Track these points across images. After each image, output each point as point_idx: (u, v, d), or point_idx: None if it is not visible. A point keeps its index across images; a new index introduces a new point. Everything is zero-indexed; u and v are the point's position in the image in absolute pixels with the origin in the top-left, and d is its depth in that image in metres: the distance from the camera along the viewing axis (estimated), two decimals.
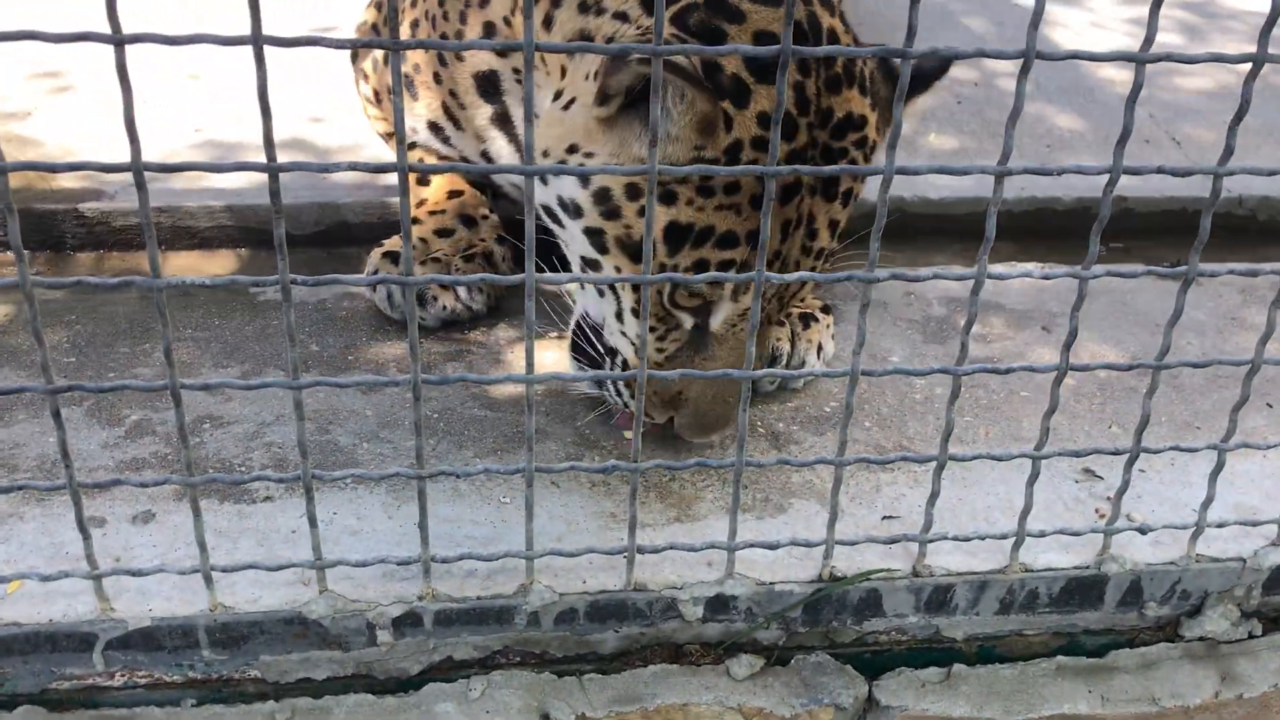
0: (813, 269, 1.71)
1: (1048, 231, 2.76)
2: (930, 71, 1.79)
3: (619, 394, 1.83)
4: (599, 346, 1.86)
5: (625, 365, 1.80)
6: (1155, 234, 2.77)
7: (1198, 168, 1.44)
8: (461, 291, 2.15)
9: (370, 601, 1.58)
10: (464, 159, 2.30)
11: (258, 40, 1.21)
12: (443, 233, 2.24)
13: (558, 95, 1.77)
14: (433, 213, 2.28)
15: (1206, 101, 3.39)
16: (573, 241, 1.76)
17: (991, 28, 3.83)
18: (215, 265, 2.51)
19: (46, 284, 1.30)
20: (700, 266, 1.62)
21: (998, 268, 2.48)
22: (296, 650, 1.59)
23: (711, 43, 1.61)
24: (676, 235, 1.61)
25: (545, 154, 1.73)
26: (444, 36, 2.15)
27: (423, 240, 2.22)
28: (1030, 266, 2.45)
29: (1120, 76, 3.47)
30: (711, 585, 1.63)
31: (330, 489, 1.76)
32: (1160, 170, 1.46)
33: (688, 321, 1.73)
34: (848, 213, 1.73)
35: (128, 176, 2.53)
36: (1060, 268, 2.48)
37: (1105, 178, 1.72)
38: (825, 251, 1.72)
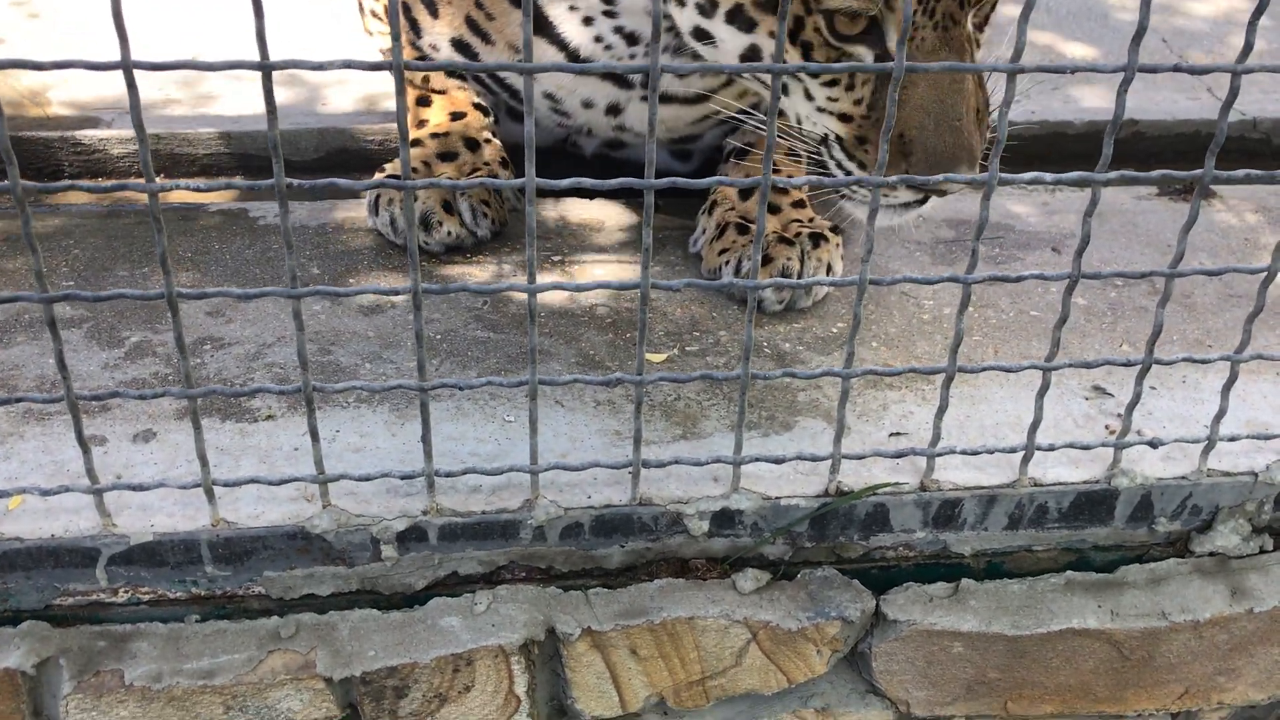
0: None
1: (1059, 157, 2.72)
2: None
3: (844, 170, 1.82)
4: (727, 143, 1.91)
5: (841, 139, 1.79)
6: (1167, 159, 2.73)
7: (1216, 66, 1.40)
8: (465, 215, 2.12)
9: (374, 516, 1.57)
10: (495, 78, 2.26)
11: None
12: (446, 156, 2.21)
13: None
14: (435, 135, 2.25)
15: (1218, 27, 3.33)
16: (722, 42, 1.80)
17: None
18: (213, 193, 2.49)
19: (39, 189, 1.28)
20: None
21: (1009, 191, 2.45)
22: (300, 566, 1.58)
23: None
24: None
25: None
26: None
27: (425, 164, 2.19)
28: (1043, 175, 2.41)
29: (1133, 2, 3.40)
30: (717, 500, 1.62)
31: (332, 407, 1.74)
32: (1177, 68, 1.43)
33: (867, 55, 1.72)
34: None
35: (123, 101, 2.50)
36: (1065, 191, 2.46)
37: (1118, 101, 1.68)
38: None
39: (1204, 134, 2.73)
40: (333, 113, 2.57)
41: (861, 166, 1.80)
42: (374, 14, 2.50)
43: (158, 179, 1.30)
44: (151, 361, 1.84)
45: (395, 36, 1.23)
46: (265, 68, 1.24)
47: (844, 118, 1.80)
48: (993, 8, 1.84)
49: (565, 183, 1.38)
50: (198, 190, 1.33)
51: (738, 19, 1.77)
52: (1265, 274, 1.55)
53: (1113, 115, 1.40)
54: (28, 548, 1.52)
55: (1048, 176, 1.47)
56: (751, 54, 1.80)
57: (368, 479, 1.54)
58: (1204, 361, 1.61)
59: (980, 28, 1.82)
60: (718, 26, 1.80)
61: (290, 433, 1.70)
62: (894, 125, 1.70)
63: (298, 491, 1.59)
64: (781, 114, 1.91)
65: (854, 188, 1.86)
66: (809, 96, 1.81)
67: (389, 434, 1.71)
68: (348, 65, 1.26)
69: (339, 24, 3.03)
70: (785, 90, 1.83)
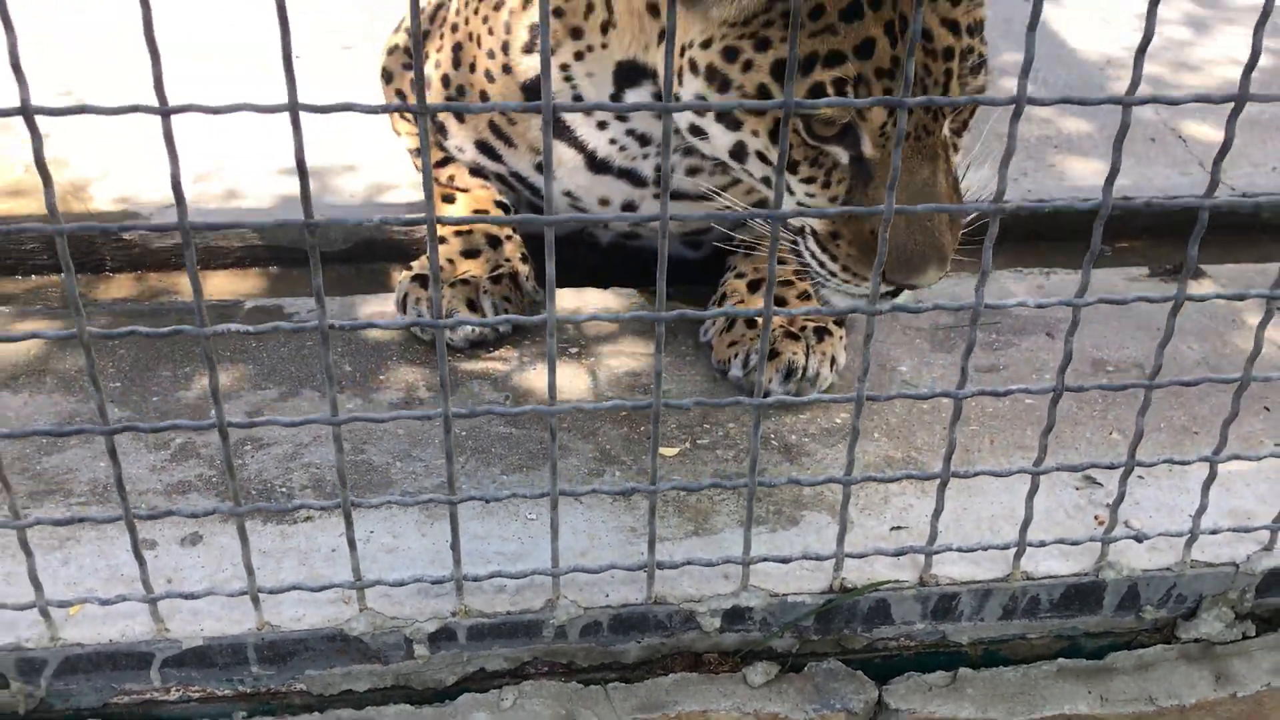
0: (947, 71, 1.76)
1: (1052, 233, 2.83)
2: None
3: (817, 260, 1.91)
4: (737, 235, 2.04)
5: (815, 233, 1.89)
6: (1160, 233, 2.83)
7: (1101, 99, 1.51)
8: (488, 312, 2.24)
9: (407, 618, 1.68)
10: (515, 175, 2.38)
11: (294, 109, 1.30)
12: (469, 253, 2.33)
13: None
14: (459, 232, 2.37)
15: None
16: (713, 138, 1.91)
17: (999, 24, 3.88)
18: (247, 284, 2.61)
19: (102, 335, 1.40)
20: (816, 91, 1.74)
21: (1005, 275, 2.56)
22: (339, 665, 1.70)
23: None
24: (782, 69, 1.75)
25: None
26: (490, 53, 2.24)
27: (450, 261, 2.32)
28: (1025, 295, 2.51)
29: (1129, 76, 3.51)
30: (728, 598, 1.73)
31: (367, 508, 1.86)
32: (1066, 100, 1.54)
33: (842, 155, 1.83)
34: (964, 11, 1.79)
35: (164, 199, 2.63)
36: (1059, 274, 2.56)
37: (1119, 183, 1.79)
38: (955, 51, 1.77)
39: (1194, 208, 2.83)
40: (360, 204, 2.70)
41: (833, 259, 1.90)
42: (403, 116, 2.63)
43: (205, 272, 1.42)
44: (196, 464, 1.96)
45: (424, 150, 1.33)
46: (309, 225, 1.36)
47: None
48: (971, 114, 1.95)
49: (584, 317, 1.50)
50: (246, 334, 1.45)
51: (725, 117, 1.88)
52: (1238, 383, 1.65)
53: (1091, 244, 1.51)
54: (88, 653, 1.64)
55: (1030, 301, 1.58)
56: (738, 149, 1.91)
57: (401, 584, 1.65)
58: (1184, 463, 1.71)
59: (959, 133, 1.93)
60: (709, 124, 1.91)
61: (328, 534, 1.82)
62: (869, 221, 1.82)
63: (336, 595, 1.71)
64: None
65: (826, 281, 1.95)
66: (790, 191, 1.93)
67: (419, 534, 1.82)
68: (384, 223, 1.38)
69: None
70: (770, 185, 1.95)
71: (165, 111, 1.30)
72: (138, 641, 1.65)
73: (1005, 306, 1.57)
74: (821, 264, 1.90)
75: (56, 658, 1.63)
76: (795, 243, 1.96)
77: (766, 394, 2.13)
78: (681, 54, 1.88)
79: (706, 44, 1.83)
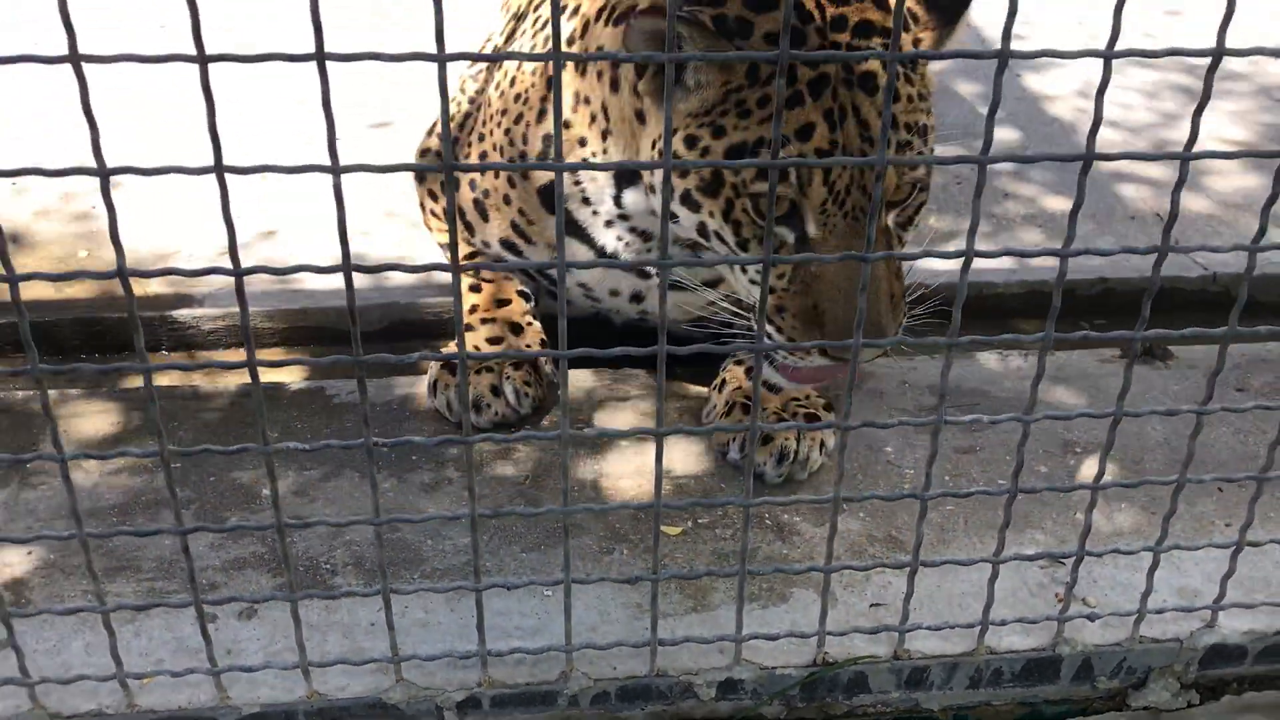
0: (867, 152, 1.97)
1: (1038, 311, 3.03)
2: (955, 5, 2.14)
3: (768, 335, 2.09)
4: (736, 321, 2.22)
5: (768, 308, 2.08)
6: (1134, 313, 3.03)
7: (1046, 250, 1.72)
8: (510, 398, 2.46)
9: (438, 688, 1.91)
10: (538, 270, 2.61)
11: (348, 269, 1.53)
12: (493, 340, 2.57)
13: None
14: (484, 320, 2.60)
15: (1194, 177, 3.63)
16: (681, 220, 2.11)
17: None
18: (293, 374, 2.85)
19: (180, 452, 1.63)
20: (763, 174, 1.96)
21: (988, 356, 2.77)
22: None
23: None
24: (736, 153, 1.98)
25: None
26: (510, 161, 2.47)
27: (475, 347, 2.55)
28: (1005, 375, 2.72)
29: (1116, 163, 3.71)
30: (722, 670, 1.95)
31: (401, 584, 2.09)
32: (1008, 253, 1.75)
33: (789, 235, 2.03)
34: (904, 109, 2.01)
35: (213, 283, 2.88)
36: (1023, 357, 2.76)
37: (1093, 261, 1.99)
38: (891, 142, 1.99)
39: (1168, 288, 3.04)
40: (395, 286, 2.93)
41: (779, 330, 2.09)
42: (434, 214, 2.87)
43: (241, 352, 1.65)
44: (250, 542, 2.19)
45: (453, 246, 1.56)
46: (347, 270, 1.59)
47: (771, 290, 2.09)
48: (916, 211, 2.15)
49: (593, 433, 1.73)
50: (300, 450, 1.68)
51: (688, 200, 2.09)
52: (1174, 484, 1.86)
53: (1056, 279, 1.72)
54: (160, 718, 1.87)
55: (985, 418, 1.79)
56: (701, 229, 2.11)
57: (433, 658, 1.88)
58: (1129, 552, 1.92)
59: (904, 226, 2.13)
60: (678, 208, 2.11)
61: (368, 608, 2.05)
62: (809, 297, 2.01)
63: (376, 667, 1.93)
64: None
65: (775, 352, 2.14)
66: (744, 270, 2.14)
67: (449, 609, 2.05)
68: (413, 269, 1.61)
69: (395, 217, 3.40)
70: (729, 267, 2.19)
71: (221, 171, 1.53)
72: (203, 708, 1.88)
73: (962, 421, 1.78)
74: (769, 337, 2.10)
75: None
76: (748, 318, 2.17)
77: (760, 475, 2.35)
78: (652, 146, 2.10)
79: (672, 134, 2.04)
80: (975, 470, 2.41)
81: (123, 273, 1.47)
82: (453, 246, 1.46)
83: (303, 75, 3.84)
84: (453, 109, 2.75)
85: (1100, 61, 1.47)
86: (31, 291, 2.81)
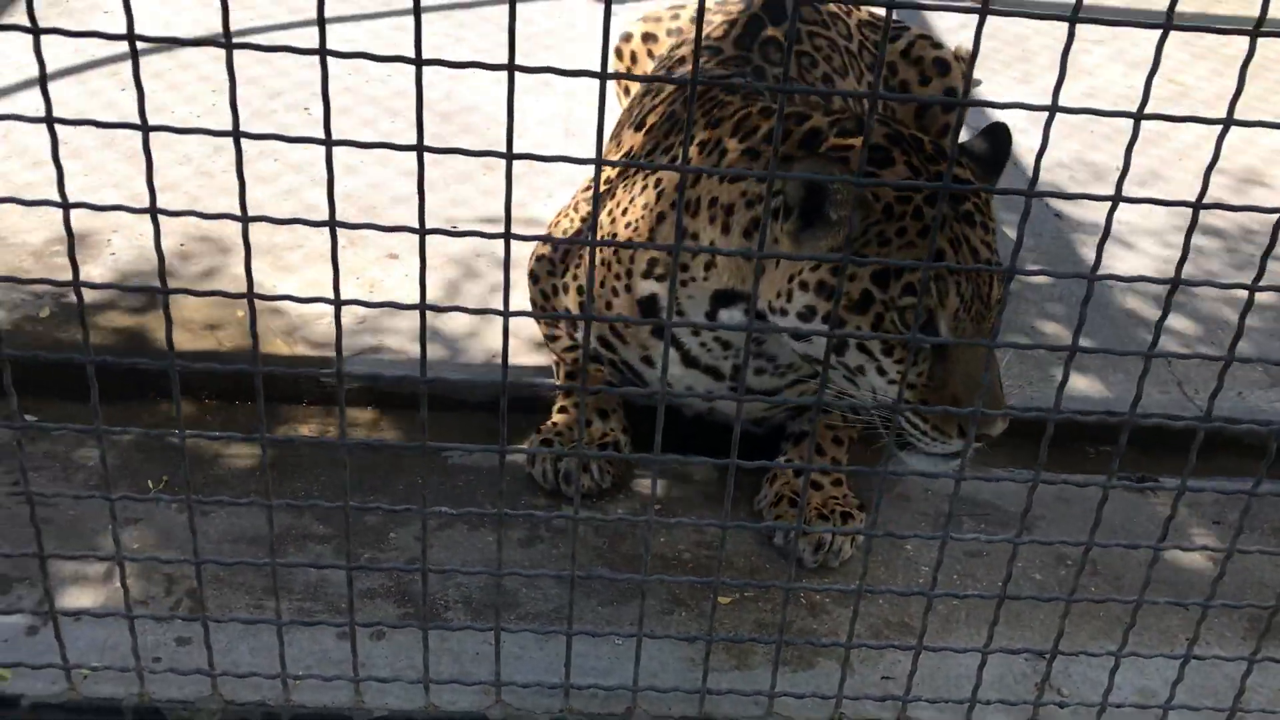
0: (990, 282, 2.47)
1: (1056, 437, 3.47)
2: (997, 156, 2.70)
3: (910, 423, 2.51)
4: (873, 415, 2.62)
5: (909, 403, 2.50)
6: (1137, 442, 3.47)
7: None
8: (595, 474, 2.96)
9: (529, 710, 2.38)
10: (625, 363, 3.10)
11: (504, 377, 2.02)
12: (585, 422, 3.06)
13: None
14: (578, 404, 3.10)
15: (1210, 328, 4.07)
16: (816, 341, 2.54)
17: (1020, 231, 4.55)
18: (404, 422, 3.35)
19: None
20: (908, 290, 2.43)
21: (1001, 473, 3.22)
22: None
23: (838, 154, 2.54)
24: (882, 276, 2.44)
25: (763, 311, 2.61)
26: (616, 275, 2.96)
27: (569, 427, 3.04)
28: (978, 535, 3.17)
29: (1135, 303, 4.13)
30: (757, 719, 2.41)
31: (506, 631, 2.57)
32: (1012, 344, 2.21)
33: (925, 341, 2.43)
34: (990, 238, 2.53)
35: (351, 345, 3.40)
36: (1046, 474, 3.21)
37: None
38: (989, 261, 2.50)
39: (1168, 425, 3.47)
40: (498, 364, 3.44)
41: (924, 419, 2.50)
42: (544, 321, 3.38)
43: (367, 411, 2.14)
44: (380, 576, 2.69)
45: (583, 368, 2.06)
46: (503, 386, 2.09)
47: (910, 386, 2.52)
48: (999, 313, 2.62)
49: (670, 521, 2.21)
50: (450, 515, 2.18)
51: (830, 321, 2.54)
52: (1134, 603, 2.31)
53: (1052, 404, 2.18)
54: (309, 713, 2.36)
55: (977, 537, 2.26)
56: (841, 346, 2.56)
57: (526, 686, 2.36)
58: (1094, 655, 2.37)
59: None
60: (816, 327, 2.56)
61: (474, 639, 2.53)
62: (947, 390, 2.45)
63: (480, 687, 2.42)
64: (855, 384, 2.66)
65: (918, 440, 2.56)
66: (881, 372, 2.57)
67: (539, 647, 2.53)
68: (559, 387, 2.10)
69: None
70: (863, 370, 2.56)
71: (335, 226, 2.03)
72: (342, 708, 2.37)
73: (965, 540, 2.25)
74: (915, 425, 2.52)
75: (289, 714, 2.36)
76: (888, 417, 2.58)
77: (799, 560, 2.82)
78: (790, 280, 2.55)
79: (815, 267, 2.51)
80: (981, 571, 2.87)
81: (251, 298, 1.98)
82: (587, 361, 1.95)
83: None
84: (566, 224, 3.27)
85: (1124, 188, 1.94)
86: (183, 342, 3.34)
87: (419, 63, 1.61)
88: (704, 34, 3.53)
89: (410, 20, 5.35)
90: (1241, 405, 3.60)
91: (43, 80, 1.65)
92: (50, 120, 1.69)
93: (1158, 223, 4.50)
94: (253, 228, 1.74)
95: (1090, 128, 5.07)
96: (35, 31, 1.61)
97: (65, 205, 1.73)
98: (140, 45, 1.63)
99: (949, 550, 2.63)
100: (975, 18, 1.54)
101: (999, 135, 2.77)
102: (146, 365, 1.94)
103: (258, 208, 4.00)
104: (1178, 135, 5.10)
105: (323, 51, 1.60)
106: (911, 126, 3.25)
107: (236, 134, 1.69)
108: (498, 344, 3.59)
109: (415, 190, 1.75)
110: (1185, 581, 2.89)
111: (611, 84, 4.91)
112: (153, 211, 1.75)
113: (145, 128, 1.72)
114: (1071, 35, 1.59)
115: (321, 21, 1.57)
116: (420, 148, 1.69)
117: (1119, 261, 4.23)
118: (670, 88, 3.27)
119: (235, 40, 1.57)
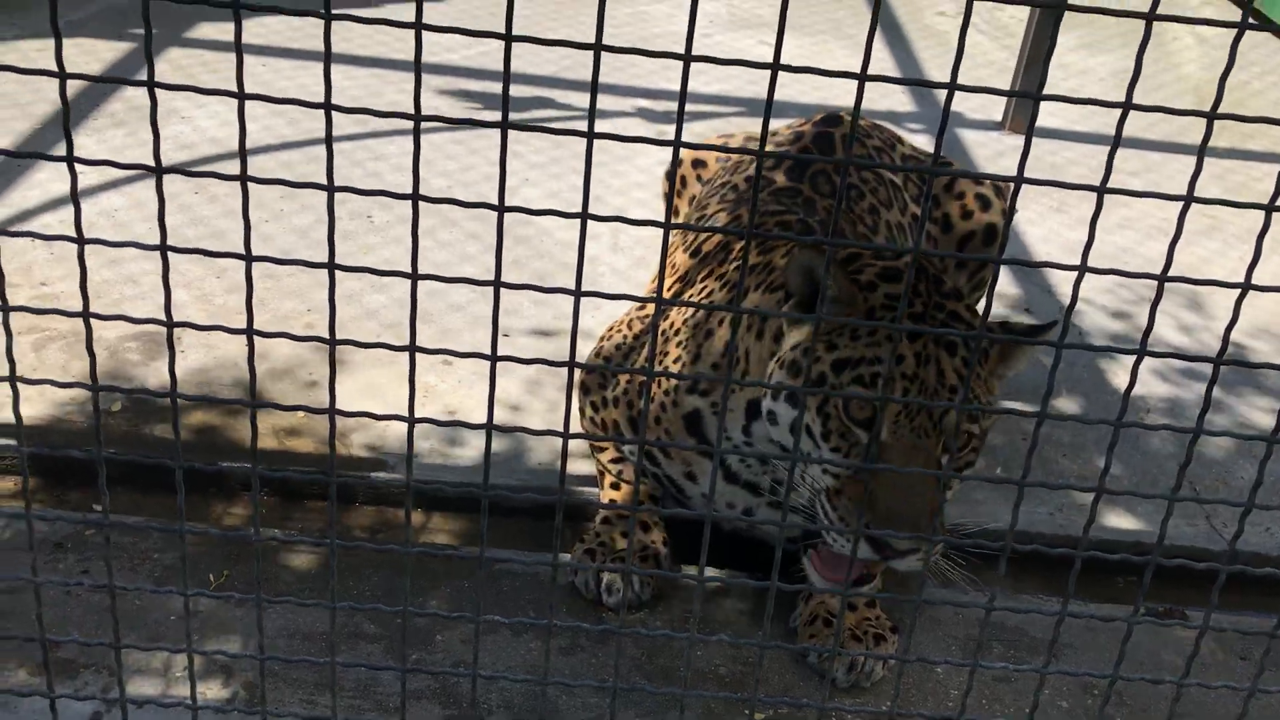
0: (954, 389, 2.54)
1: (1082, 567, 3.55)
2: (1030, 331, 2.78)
3: (823, 510, 2.58)
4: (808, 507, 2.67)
5: (826, 490, 2.58)
6: (1167, 575, 3.53)
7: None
8: (635, 586, 3.06)
9: None
10: (668, 477, 3.22)
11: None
12: (627, 535, 3.17)
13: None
14: (621, 516, 3.22)
15: (1231, 457, 4.15)
16: (783, 423, 2.66)
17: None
18: (459, 524, 3.47)
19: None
20: (858, 379, 2.54)
21: (1027, 600, 3.30)
22: None
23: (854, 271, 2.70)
24: (840, 364, 2.57)
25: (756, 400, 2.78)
26: (665, 392, 3.10)
27: (610, 538, 3.16)
28: (999, 664, 3.24)
29: (1164, 435, 4.25)
30: None
31: None
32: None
33: (863, 436, 2.56)
34: (979, 379, 2.62)
35: (404, 449, 3.54)
36: (1074, 604, 3.29)
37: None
38: (956, 390, 2.54)
39: (1199, 558, 3.54)
40: (546, 470, 3.57)
41: (834, 509, 2.56)
42: (591, 421, 3.52)
43: (416, 512, 2.26)
44: (425, 678, 2.79)
45: (635, 489, 2.17)
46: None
47: (834, 475, 2.59)
48: (966, 465, 2.70)
49: (713, 639, 2.31)
50: (501, 623, 2.29)
51: (791, 398, 2.64)
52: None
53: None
54: None
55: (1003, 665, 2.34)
56: (794, 425, 2.63)
57: None
58: None
59: (957, 471, 2.67)
60: (779, 405, 2.66)
61: None
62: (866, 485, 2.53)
63: None
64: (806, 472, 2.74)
65: (825, 529, 2.62)
66: (820, 459, 2.65)
67: None
68: (612, 508, 2.21)
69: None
70: (810, 456, 2.63)
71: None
72: None
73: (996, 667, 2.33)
74: (825, 514, 2.58)
75: None
76: (812, 502, 2.67)
77: (832, 679, 2.89)
78: (773, 360, 2.71)
79: (794, 347, 2.66)
80: (1009, 697, 2.93)
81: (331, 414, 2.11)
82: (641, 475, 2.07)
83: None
84: (618, 339, 3.43)
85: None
86: (241, 439, 3.50)
87: (501, 209, 1.77)
88: (754, 163, 3.72)
89: (465, 134, 5.54)
90: (1270, 541, 3.67)
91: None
92: (165, 249, 1.86)
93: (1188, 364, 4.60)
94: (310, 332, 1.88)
95: (1123, 259, 5.21)
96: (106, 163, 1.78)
97: (170, 325, 1.89)
98: (211, 151, 1.79)
99: (978, 675, 2.72)
100: (1008, 142, 1.68)
101: (1048, 331, 2.83)
102: (231, 470, 2.09)
103: (320, 310, 4.21)
104: (1210, 272, 5.23)
105: (415, 197, 1.77)
106: (953, 265, 3.40)
107: (332, 266, 1.86)
108: (542, 451, 3.73)
109: (469, 297, 1.89)
110: (1210, 715, 2.94)
111: (657, 191, 5.11)
112: (249, 333, 1.91)
113: (249, 258, 1.88)
114: (1110, 166, 1.72)
115: (416, 167, 1.73)
116: (497, 284, 1.84)
117: (1151, 390, 4.33)
118: (724, 211, 3.47)
119: (299, 149, 1.73)
